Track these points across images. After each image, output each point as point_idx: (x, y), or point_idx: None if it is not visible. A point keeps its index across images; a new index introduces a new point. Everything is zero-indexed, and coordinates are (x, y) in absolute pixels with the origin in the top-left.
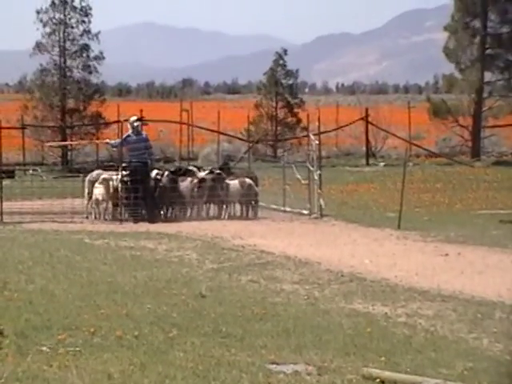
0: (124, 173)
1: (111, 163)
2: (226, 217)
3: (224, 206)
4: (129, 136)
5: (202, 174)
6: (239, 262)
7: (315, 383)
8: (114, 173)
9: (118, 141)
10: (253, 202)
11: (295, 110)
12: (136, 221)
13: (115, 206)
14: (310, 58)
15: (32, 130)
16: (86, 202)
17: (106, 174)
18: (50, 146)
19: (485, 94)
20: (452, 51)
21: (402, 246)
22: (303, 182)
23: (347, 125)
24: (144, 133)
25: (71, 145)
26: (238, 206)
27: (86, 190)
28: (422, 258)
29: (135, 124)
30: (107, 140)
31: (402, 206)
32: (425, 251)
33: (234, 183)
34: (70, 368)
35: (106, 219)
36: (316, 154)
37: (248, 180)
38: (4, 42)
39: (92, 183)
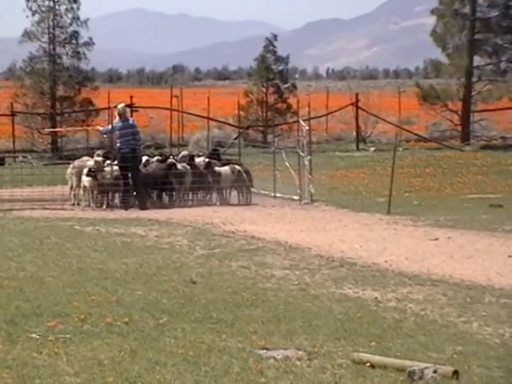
0: (98, 159)
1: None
2: (218, 203)
3: (216, 193)
4: (116, 123)
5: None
6: (230, 248)
7: (306, 368)
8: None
9: (108, 127)
10: (244, 188)
11: (285, 96)
12: (126, 207)
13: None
14: (301, 43)
15: (22, 117)
16: (71, 189)
17: (91, 161)
18: (49, 131)
19: (474, 79)
20: (439, 35)
21: (392, 230)
22: (292, 171)
23: (337, 110)
24: (131, 119)
25: (65, 131)
26: (228, 192)
27: (73, 178)
28: (411, 242)
29: (122, 111)
30: (98, 127)
31: (391, 191)
32: (415, 236)
33: (225, 169)
34: (60, 355)
35: (97, 206)
36: (306, 139)
37: (238, 166)
38: None
39: (76, 170)
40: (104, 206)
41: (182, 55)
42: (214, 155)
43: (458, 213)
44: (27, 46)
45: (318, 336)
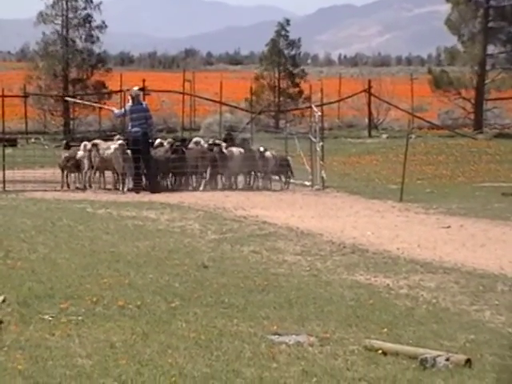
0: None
1: (113, 133)
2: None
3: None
4: (129, 106)
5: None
6: (241, 233)
7: (317, 354)
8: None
9: (121, 111)
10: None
11: (297, 81)
12: (138, 191)
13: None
14: (313, 29)
15: (34, 99)
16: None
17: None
18: (67, 100)
19: (487, 67)
20: (454, 23)
21: (404, 217)
22: (303, 157)
23: (350, 96)
24: (144, 102)
25: (81, 101)
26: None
27: (85, 160)
28: (423, 230)
29: (135, 94)
30: (113, 108)
31: (404, 178)
32: (427, 223)
33: (268, 154)
34: (72, 337)
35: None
36: (318, 125)
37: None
38: (5, 10)
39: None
40: (62, 187)
41: (193, 39)
42: (228, 140)
43: (471, 201)
44: (40, 28)
45: (330, 322)
